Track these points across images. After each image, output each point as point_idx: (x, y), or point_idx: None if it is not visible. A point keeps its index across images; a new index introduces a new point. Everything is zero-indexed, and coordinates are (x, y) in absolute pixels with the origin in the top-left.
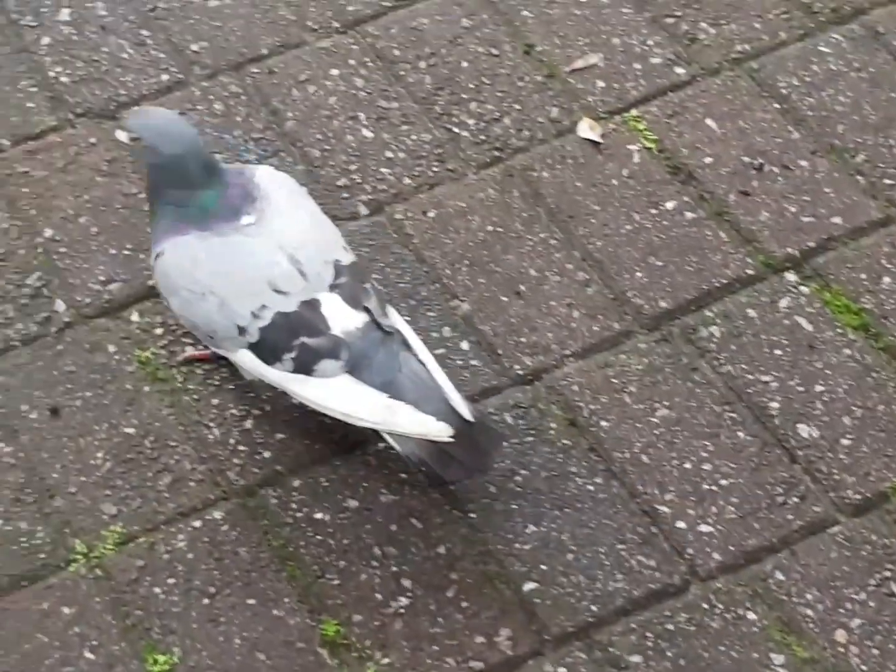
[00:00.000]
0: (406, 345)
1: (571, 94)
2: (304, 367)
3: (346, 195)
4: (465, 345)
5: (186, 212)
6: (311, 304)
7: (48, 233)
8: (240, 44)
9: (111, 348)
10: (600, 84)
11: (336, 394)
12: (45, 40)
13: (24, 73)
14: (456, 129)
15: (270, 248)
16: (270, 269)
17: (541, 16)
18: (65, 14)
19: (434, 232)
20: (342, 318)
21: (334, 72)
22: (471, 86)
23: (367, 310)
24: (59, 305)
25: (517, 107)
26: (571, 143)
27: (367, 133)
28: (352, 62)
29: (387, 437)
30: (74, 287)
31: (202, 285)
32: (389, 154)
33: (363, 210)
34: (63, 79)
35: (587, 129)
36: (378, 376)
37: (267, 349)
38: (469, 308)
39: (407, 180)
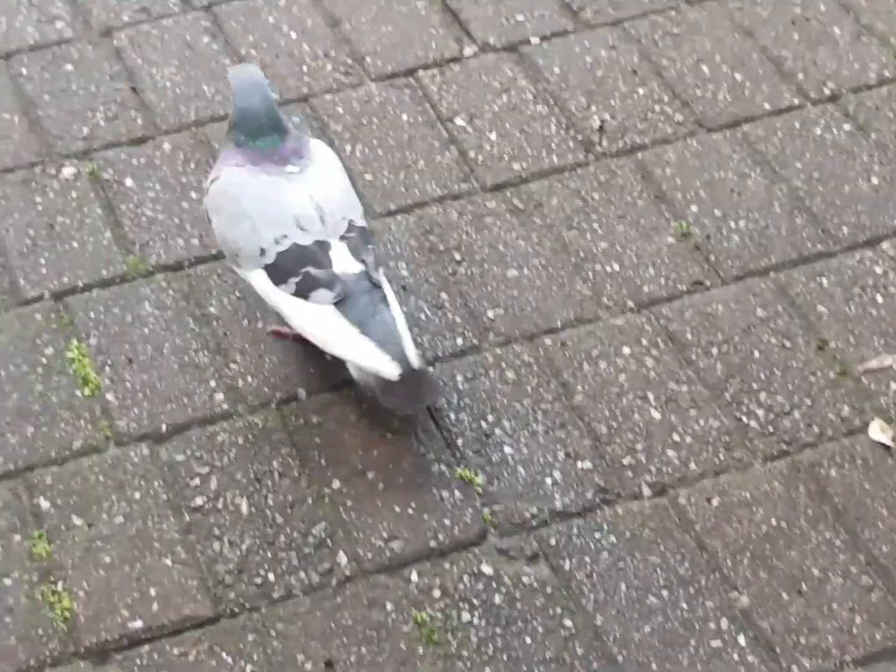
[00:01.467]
0: (385, 300)
1: (864, 393)
2: (303, 291)
3: (630, 474)
4: (742, 639)
5: (246, 150)
6: (323, 245)
7: (336, 484)
8: (535, 314)
9: (389, 606)
10: (894, 387)
11: (319, 320)
12: None
13: None
14: (744, 419)
15: (303, 194)
16: (299, 209)
17: (837, 313)
18: None
19: (717, 520)
20: (343, 262)
21: (626, 350)
22: (762, 376)
23: (364, 262)
24: (342, 558)
25: (807, 401)
26: (862, 444)
27: (655, 414)
28: (644, 342)
29: (349, 366)
30: (357, 541)
31: (242, 209)
32: (676, 437)
33: (647, 491)
34: None
35: (878, 430)
36: (356, 315)
37: (278, 271)
38: (748, 602)
39: (692, 465)
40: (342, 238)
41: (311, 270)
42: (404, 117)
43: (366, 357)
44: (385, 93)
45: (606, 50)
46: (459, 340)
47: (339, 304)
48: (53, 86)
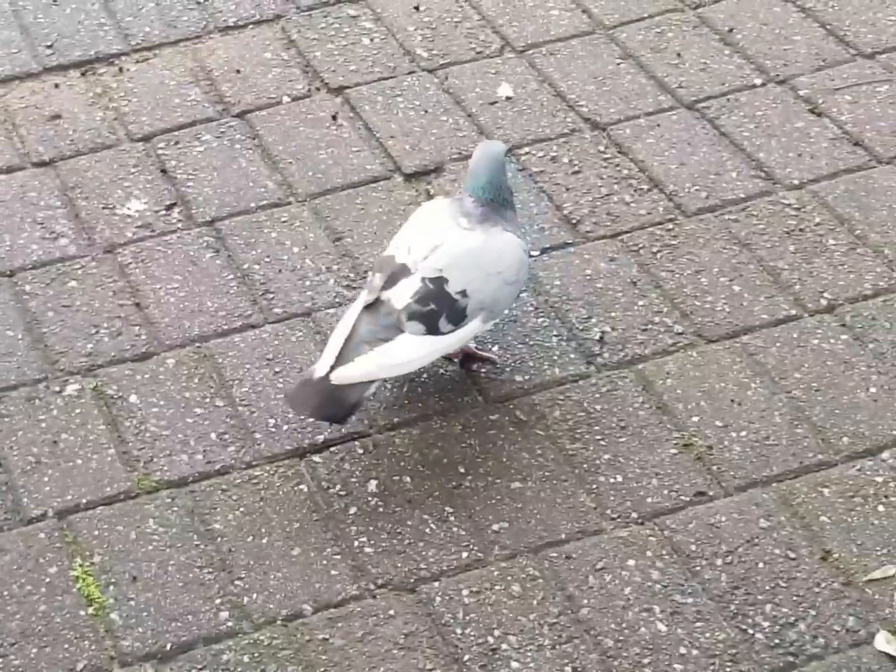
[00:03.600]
0: (390, 342)
1: (869, 604)
2: (368, 286)
3: None
4: None
5: (465, 196)
6: (404, 269)
7: None
8: (539, 527)
9: None
10: None
11: (354, 306)
12: (353, 510)
13: (330, 540)
14: (750, 630)
15: (440, 236)
16: (421, 240)
17: (839, 522)
18: (373, 486)
19: None
20: (399, 292)
21: (630, 562)
22: (766, 587)
23: (412, 310)
24: None
25: (812, 612)
26: (867, 656)
27: (661, 626)
28: (648, 553)
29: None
30: None
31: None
32: (683, 650)
33: None
34: (367, 549)
35: (884, 642)
36: (364, 323)
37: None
38: None
39: None
40: (423, 279)
41: (377, 276)
42: None
43: (328, 346)
44: None
45: (605, 262)
46: (464, 554)
47: (367, 308)
48: (57, 302)
